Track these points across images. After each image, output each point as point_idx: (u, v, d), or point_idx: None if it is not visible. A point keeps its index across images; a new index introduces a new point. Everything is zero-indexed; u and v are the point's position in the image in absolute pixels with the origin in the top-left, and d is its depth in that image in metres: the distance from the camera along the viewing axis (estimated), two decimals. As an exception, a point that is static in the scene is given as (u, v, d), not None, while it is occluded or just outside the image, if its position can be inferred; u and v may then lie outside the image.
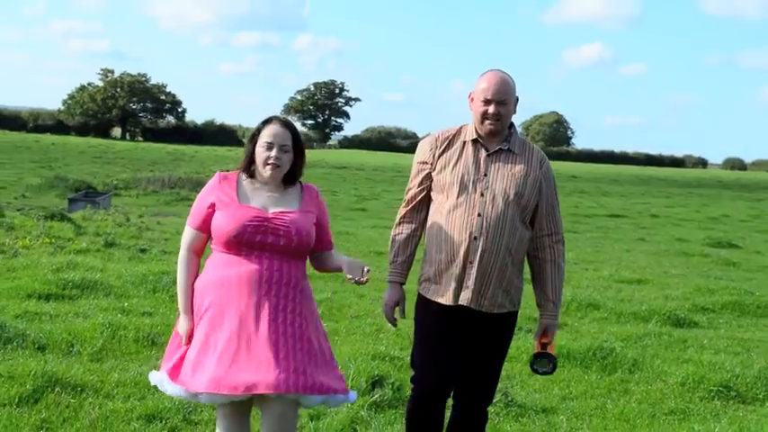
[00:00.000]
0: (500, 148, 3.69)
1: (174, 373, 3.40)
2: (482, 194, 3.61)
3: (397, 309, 3.95)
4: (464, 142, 3.74)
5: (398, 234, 3.89)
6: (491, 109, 3.60)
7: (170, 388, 3.41)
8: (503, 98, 3.62)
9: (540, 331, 3.78)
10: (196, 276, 3.58)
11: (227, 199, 3.48)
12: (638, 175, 70.48)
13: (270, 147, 3.50)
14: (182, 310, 3.55)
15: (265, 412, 3.40)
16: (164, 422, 4.77)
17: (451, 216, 3.65)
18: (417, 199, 3.84)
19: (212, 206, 3.50)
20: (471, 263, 3.60)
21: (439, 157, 3.75)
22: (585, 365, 6.55)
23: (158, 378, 3.50)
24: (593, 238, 19.35)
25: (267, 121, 3.60)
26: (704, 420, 5.33)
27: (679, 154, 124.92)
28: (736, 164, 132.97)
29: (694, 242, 19.06)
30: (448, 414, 3.99)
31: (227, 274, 3.41)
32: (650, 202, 36.74)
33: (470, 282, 3.62)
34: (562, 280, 3.76)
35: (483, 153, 3.69)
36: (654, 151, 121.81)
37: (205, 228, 3.54)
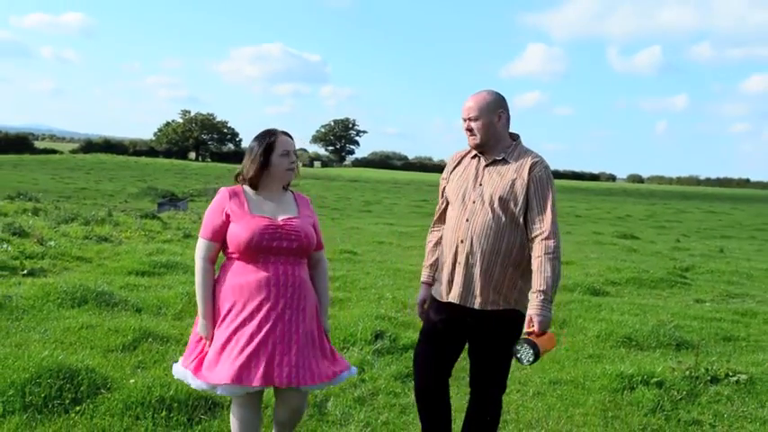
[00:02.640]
0: (496, 159, 3.10)
1: (198, 368, 2.96)
2: (474, 201, 3.06)
3: (426, 305, 3.35)
4: (471, 157, 3.21)
5: (429, 242, 3.37)
6: (465, 126, 3.11)
7: (193, 382, 2.94)
8: (470, 115, 3.08)
9: (526, 321, 2.95)
10: (212, 285, 3.05)
11: (240, 211, 2.97)
12: (566, 186, 70.33)
13: (287, 154, 3.02)
14: (204, 316, 3.00)
15: (280, 401, 3.06)
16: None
17: (450, 222, 3.17)
18: (440, 210, 3.31)
19: (227, 218, 2.96)
20: (459, 264, 3.07)
21: (451, 173, 3.26)
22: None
23: (182, 373, 3.03)
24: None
25: (272, 134, 3.04)
26: (613, 362, 5.35)
27: (596, 171, 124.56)
28: (636, 178, 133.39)
29: (606, 235, 19.06)
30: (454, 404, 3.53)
31: (245, 280, 2.93)
32: (575, 205, 36.70)
33: (458, 281, 3.08)
34: (551, 274, 2.91)
35: (482, 164, 3.13)
36: (578, 169, 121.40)
37: (218, 238, 3.00)
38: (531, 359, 2.80)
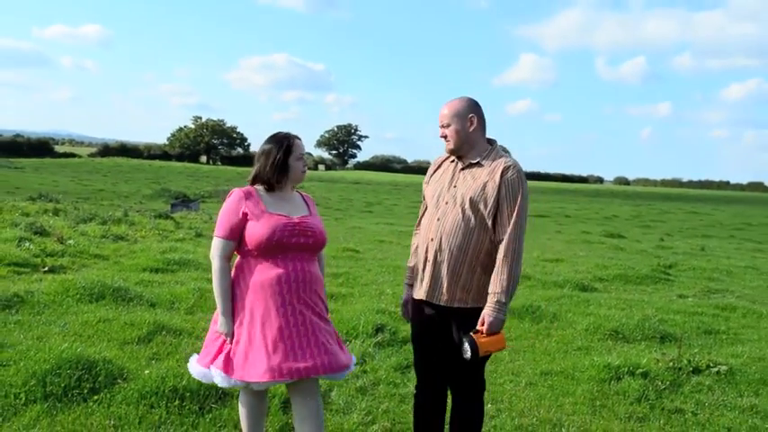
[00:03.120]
0: (471, 162, 2.98)
1: (227, 367, 2.85)
2: (447, 203, 2.96)
3: (409, 306, 3.21)
4: (449, 162, 3.10)
5: (412, 244, 3.23)
6: (440, 132, 3.01)
7: (223, 380, 2.85)
8: (443, 122, 2.98)
9: (479, 320, 2.81)
10: (231, 281, 2.96)
11: (257, 210, 2.88)
12: (557, 188, 70.32)
13: (302, 158, 3.00)
14: (224, 313, 2.90)
15: (294, 390, 2.91)
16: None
17: (424, 222, 3.08)
18: (422, 213, 3.18)
19: (245, 216, 2.87)
20: (428, 261, 2.97)
21: (431, 176, 3.16)
22: (521, 317, 6.55)
23: (202, 372, 2.94)
24: (526, 231, 19.31)
25: (289, 137, 2.99)
26: (600, 354, 5.34)
27: (584, 174, 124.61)
28: (622, 180, 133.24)
29: (594, 234, 19.05)
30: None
31: (265, 277, 2.85)
32: (564, 206, 36.68)
33: (426, 278, 2.97)
34: (506, 277, 2.79)
35: (458, 167, 3.02)
36: (567, 172, 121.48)
37: (234, 236, 2.89)
38: (467, 356, 2.75)
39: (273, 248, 2.85)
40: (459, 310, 2.92)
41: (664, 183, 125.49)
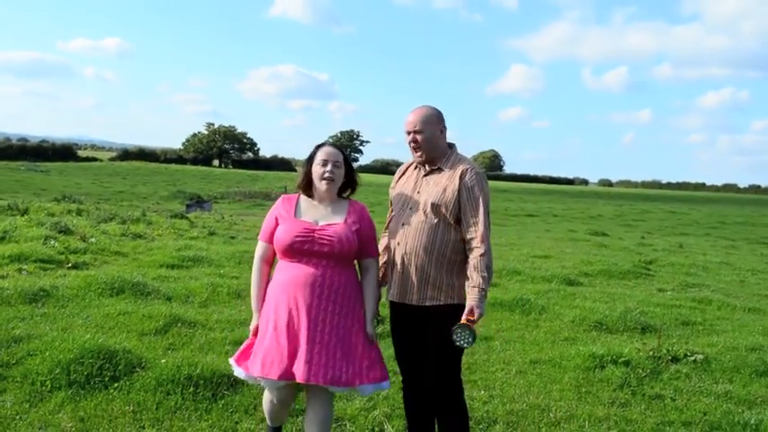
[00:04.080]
0: (433, 169, 2.93)
1: (241, 359, 2.83)
2: (411, 208, 2.90)
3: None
4: (413, 168, 3.04)
5: (380, 245, 3.12)
6: (409, 138, 2.91)
7: (236, 372, 2.85)
8: (415, 128, 2.88)
9: (466, 311, 2.71)
10: (267, 281, 2.90)
11: (286, 215, 2.84)
12: (545, 189, 70.26)
13: (325, 163, 2.83)
14: (253, 309, 2.89)
15: (310, 396, 2.80)
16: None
17: (390, 227, 3.02)
18: (390, 218, 3.08)
19: (276, 220, 2.86)
20: (396, 264, 2.91)
21: (397, 182, 3.09)
22: (511, 310, 6.54)
23: (235, 368, 2.89)
24: (517, 229, 19.33)
25: (320, 145, 2.91)
26: (586, 344, 5.34)
27: (570, 176, 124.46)
28: (606, 182, 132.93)
29: (580, 232, 19.02)
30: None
31: (285, 277, 2.77)
32: (552, 206, 36.63)
33: (396, 280, 2.91)
34: (486, 273, 2.75)
35: (421, 173, 2.97)
36: (554, 175, 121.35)
37: (271, 240, 2.87)
38: (470, 341, 2.65)
39: (290, 252, 2.77)
40: (433, 308, 2.85)
41: (644, 184, 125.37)
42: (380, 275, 3.04)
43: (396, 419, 3.63)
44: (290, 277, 2.76)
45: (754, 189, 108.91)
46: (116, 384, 3.77)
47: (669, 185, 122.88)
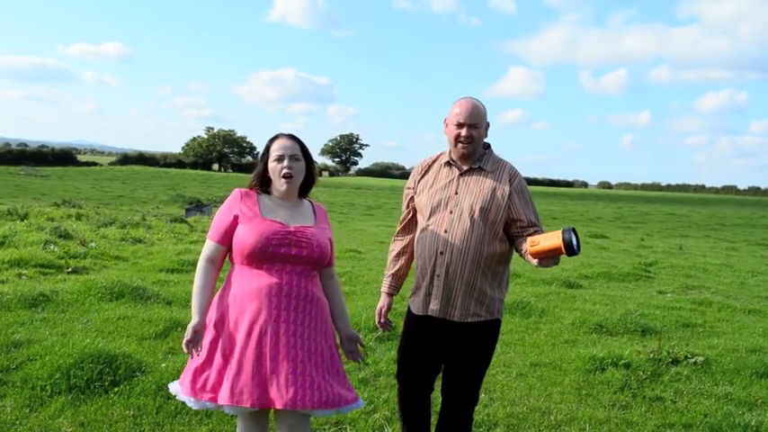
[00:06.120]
0: (471, 167, 2.68)
1: (193, 387, 2.37)
2: (451, 212, 2.63)
3: (383, 312, 2.99)
4: (440, 165, 2.75)
5: (391, 251, 2.94)
6: (463, 132, 2.61)
7: (192, 403, 2.40)
8: (474, 121, 2.62)
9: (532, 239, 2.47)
10: (213, 286, 2.46)
11: (251, 213, 2.43)
12: (544, 192, 70.27)
13: (281, 159, 2.45)
14: (194, 312, 2.40)
15: (279, 423, 2.36)
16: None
17: (424, 234, 2.70)
18: (406, 220, 2.88)
19: (236, 219, 2.43)
20: (438, 276, 2.63)
21: (419, 182, 2.80)
22: (512, 312, 6.53)
23: (175, 390, 2.50)
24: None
25: (273, 138, 2.51)
26: (586, 346, 5.33)
27: (570, 179, 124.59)
28: (605, 185, 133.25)
29: (580, 234, 19.00)
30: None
31: (246, 288, 2.37)
32: (552, 209, 36.65)
33: (438, 293, 2.64)
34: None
35: (456, 173, 2.69)
36: (554, 177, 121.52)
37: (225, 241, 2.46)
38: (576, 243, 2.37)
39: (260, 257, 2.37)
40: (474, 325, 2.64)
41: (644, 186, 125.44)
42: (395, 284, 2.90)
43: (396, 423, 3.62)
44: (256, 287, 2.35)
45: (754, 191, 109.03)
46: (116, 389, 3.76)
47: (669, 187, 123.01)
